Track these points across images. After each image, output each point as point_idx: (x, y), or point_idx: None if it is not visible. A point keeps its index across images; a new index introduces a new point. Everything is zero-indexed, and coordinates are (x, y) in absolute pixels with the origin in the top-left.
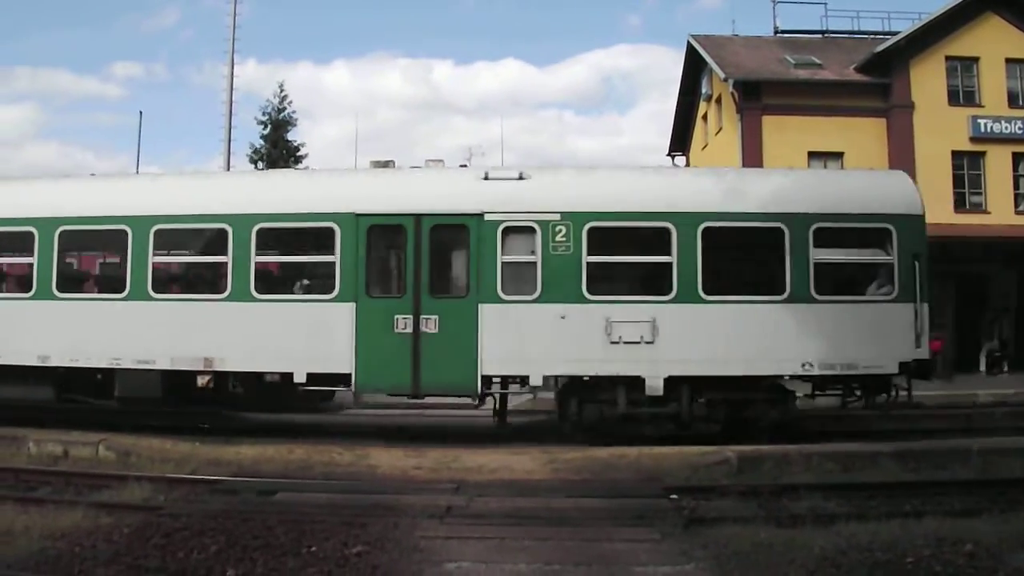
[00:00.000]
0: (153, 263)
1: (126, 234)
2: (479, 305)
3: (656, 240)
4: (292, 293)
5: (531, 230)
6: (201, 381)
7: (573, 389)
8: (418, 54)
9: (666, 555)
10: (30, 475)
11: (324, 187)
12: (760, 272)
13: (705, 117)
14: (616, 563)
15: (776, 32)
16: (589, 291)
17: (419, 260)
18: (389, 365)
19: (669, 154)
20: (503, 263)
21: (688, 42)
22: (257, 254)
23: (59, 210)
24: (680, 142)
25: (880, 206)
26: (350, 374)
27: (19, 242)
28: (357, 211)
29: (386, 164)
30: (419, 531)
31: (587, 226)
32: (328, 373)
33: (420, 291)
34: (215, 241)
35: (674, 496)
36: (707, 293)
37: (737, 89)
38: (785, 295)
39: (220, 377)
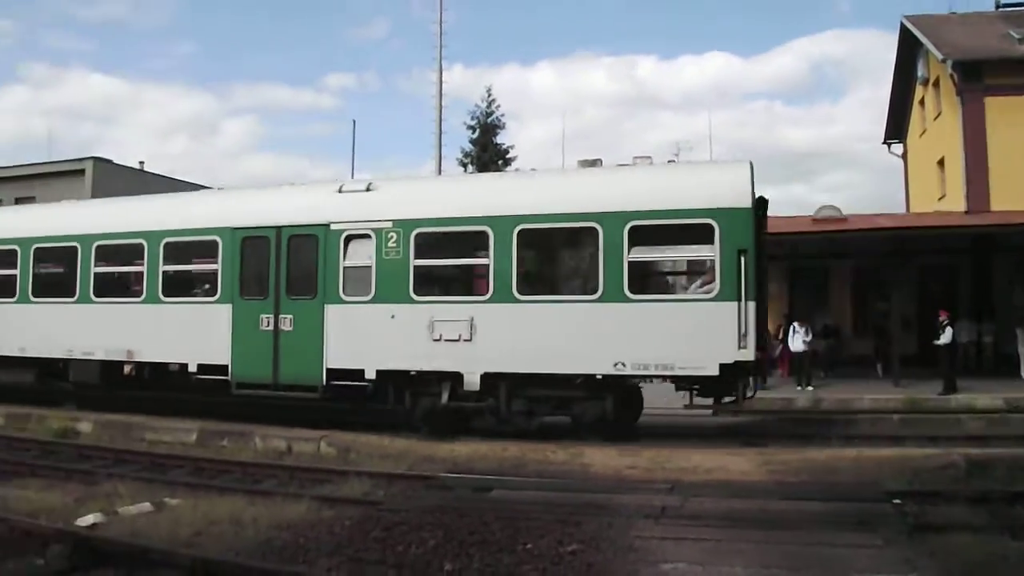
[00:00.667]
0: (94, 272)
1: (76, 249)
2: (325, 306)
3: (475, 243)
4: (189, 296)
5: (368, 237)
6: (127, 369)
7: (408, 383)
8: (622, 51)
9: (888, 562)
10: (257, 468)
11: (212, 205)
12: (575, 272)
13: (922, 102)
14: (836, 568)
15: (997, 6)
16: (416, 292)
17: (279, 266)
18: (256, 358)
19: (885, 142)
20: (345, 267)
21: (901, 23)
22: (164, 264)
23: (32, 232)
24: (896, 129)
25: (701, 200)
26: (227, 365)
27: (7, 257)
28: (234, 225)
29: (593, 163)
30: (634, 531)
31: (414, 232)
32: (213, 364)
33: (280, 293)
34: (135, 253)
35: (897, 501)
36: (521, 293)
37: (956, 70)
38: (598, 295)
39: (139, 366)
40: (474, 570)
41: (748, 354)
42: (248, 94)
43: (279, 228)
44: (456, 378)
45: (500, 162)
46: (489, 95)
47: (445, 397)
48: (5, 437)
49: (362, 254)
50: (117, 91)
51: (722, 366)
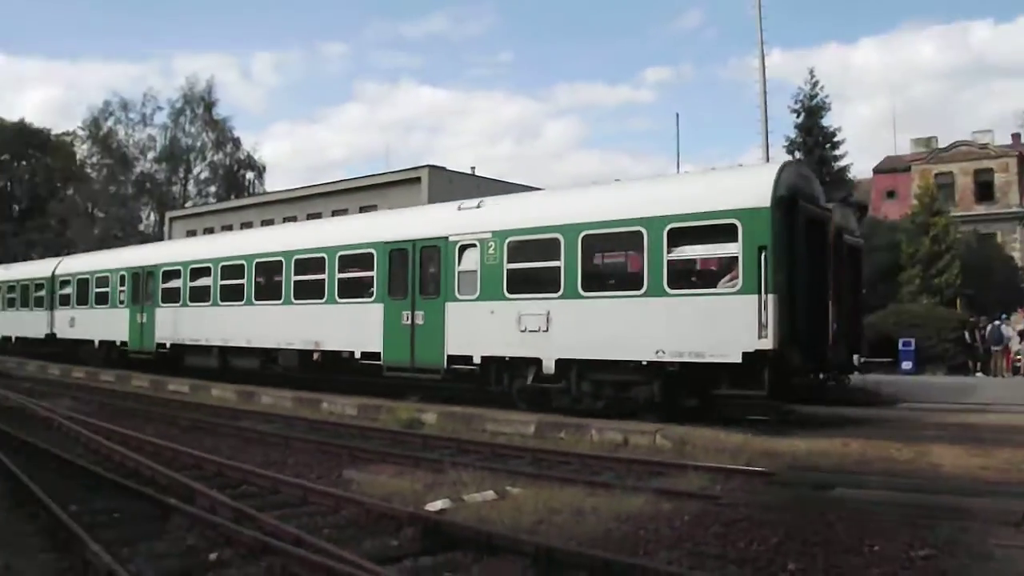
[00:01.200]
0: (294, 280)
1: (281, 264)
2: (445, 303)
3: (551, 248)
4: (355, 298)
5: (475, 246)
6: (315, 356)
7: (504, 367)
8: (951, 18)
9: None
10: (594, 460)
11: (370, 226)
12: (626, 270)
13: None
14: None
15: None
16: (508, 291)
17: (414, 272)
18: (399, 346)
19: None
20: (459, 272)
21: None
22: (339, 272)
23: (253, 250)
24: None
25: (727, 202)
26: (380, 352)
27: (236, 271)
28: (384, 240)
29: (928, 141)
30: (992, 538)
31: (507, 240)
32: (371, 352)
33: (415, 294)
34: (319, 266)
35: None
36: (585, 290)
37: None
38: (643, 290)
39: (323, 354)
40: (818, 570)
41: (768, 343)
42: (567, 94)
43: (414, 241)
44: (537, 363)
45: (828, 146)
46: (812, 77)
47: (530, 379)
48: (359, 427)
49: (471, 260)
50: (444, 102)
51: (744, 354)
